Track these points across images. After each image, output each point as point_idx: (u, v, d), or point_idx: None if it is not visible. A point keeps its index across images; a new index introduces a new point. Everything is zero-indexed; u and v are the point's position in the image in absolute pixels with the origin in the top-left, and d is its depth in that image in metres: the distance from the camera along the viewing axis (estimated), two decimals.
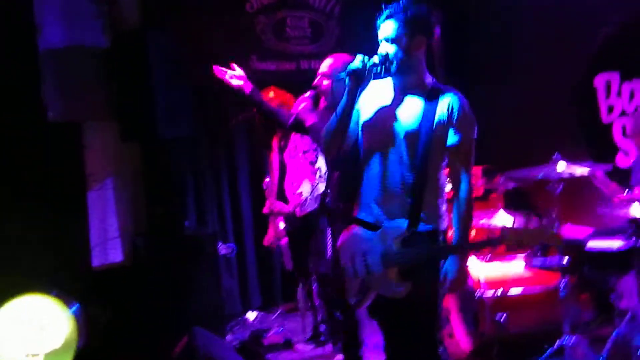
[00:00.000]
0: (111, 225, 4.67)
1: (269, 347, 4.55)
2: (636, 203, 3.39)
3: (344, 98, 2.49)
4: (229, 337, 4.66)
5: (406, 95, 2.54)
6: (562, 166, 3.41)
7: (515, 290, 3.70)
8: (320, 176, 4.24)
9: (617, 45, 4.61)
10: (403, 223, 2.47)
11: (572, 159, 3.60)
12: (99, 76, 4.55)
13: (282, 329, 4.83)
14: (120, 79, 4.40)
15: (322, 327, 4.46)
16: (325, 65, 3.37)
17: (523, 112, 5.09)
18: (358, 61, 2.48)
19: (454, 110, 2.47)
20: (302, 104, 3.55)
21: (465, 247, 2.57)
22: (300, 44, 5.52)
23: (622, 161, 4.60)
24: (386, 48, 2.51)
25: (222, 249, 4.88)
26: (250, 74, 5.23)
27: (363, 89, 2.54)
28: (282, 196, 4.38)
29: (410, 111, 2.50)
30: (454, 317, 3.98)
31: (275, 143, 4.49)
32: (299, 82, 5.20)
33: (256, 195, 5.44)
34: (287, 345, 4.52)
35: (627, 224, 3.77)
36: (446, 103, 2.48)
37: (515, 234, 2.32)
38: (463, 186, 2.52)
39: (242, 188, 5.47)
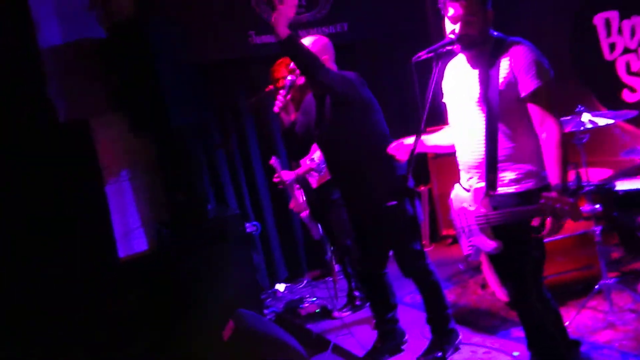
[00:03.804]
0: (132, 215, 4.72)
1: (307, 316, 4.65)
2: None
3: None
4: (264, 311, 4.76)
5: (475, 63, 2.61)
6: (586, 117, 3.51)
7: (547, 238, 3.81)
8: None
9: None
10: (485, 186, 2.58)
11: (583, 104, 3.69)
12: (100, 69, 4.51)
13: (315, 298, 4.94)
14: (123, 70, 4.36)
15: (357, 293, 4.57)
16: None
17: None
18: (446, 41, 2.53)
19: (520, 59, 2.47)
20: None
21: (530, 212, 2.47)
22: (295, 14, 5.43)
23: (629, 97, 4.72)
24: (462, 27, 2.51)
25: (248, 227, 4.93)
26: (251, 50, 5.29)
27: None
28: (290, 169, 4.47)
29: (479, 78, 2.56)
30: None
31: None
32: None
33: (269, 172, 5.49)
34: (325, 313, 4.60)
35: None
36: (511, 55, 2.49)
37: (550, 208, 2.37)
38: (547, 132, 2.45)
39: (256, 166, 5.49)
